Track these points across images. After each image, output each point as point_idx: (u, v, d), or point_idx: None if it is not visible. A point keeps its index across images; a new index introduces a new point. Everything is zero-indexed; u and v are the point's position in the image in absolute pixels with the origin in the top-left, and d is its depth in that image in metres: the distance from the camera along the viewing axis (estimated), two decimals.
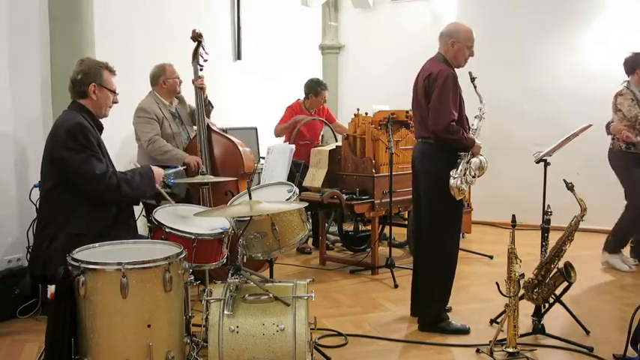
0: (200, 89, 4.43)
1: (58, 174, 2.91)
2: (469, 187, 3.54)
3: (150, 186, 3.12)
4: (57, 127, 2.95)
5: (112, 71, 3.10)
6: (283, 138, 5.78)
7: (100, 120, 3.11)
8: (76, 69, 3.05)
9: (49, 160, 2.94)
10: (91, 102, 3.03)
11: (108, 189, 2.90)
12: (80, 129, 2.88)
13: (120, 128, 4.57)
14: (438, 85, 3.46)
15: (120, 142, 4.81)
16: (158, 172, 3.19)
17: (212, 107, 4.62)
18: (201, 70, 4.47)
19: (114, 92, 3.10)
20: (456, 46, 3.60)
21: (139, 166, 3.41)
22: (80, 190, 2.89)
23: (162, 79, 4.48)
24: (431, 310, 3.65)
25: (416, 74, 3.74)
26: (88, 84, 3.00)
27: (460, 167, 3.49)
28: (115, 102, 3.14)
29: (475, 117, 3.69)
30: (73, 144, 2.85)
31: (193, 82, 4.46)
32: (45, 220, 2.95)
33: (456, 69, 3.61)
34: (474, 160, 3.53)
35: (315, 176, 5.04)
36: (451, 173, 3.47)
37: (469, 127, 3.63)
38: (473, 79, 3.65)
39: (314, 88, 5.77)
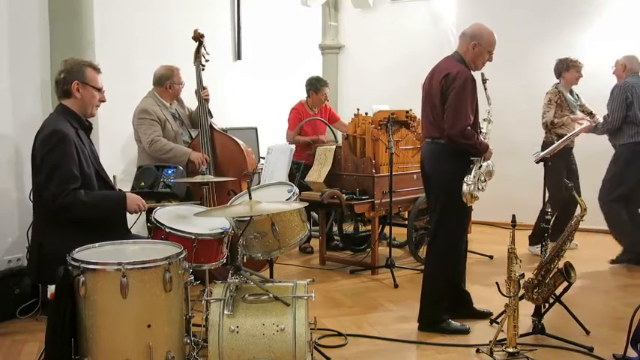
0: (205, 100, 4.41)
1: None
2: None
3: (116, 211, 2.95)
4: (39, 133, 2.89)
5: (96, 69, 3.01)
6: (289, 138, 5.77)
7: (89, 120, 3.05)
8: (59, 69, 2.99)
9: (33, 164, 2.91)
10: (76, 102, 2.95)
11: (59, 208, 2.76)
12: (56, 137, 2.79)
13: (121, 128, 4.58)
14: (457, 86, 3.38)
15: (121, 142, 4.81)
16: (133, 200, 3.00)
17: (211, 117, 4.56)
18: (203, 69, 4.46)
19: (99, 90, 3.00)
20: (477, 49, 3.53)
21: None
22: None
23: (168, 82, 4.45)
24: (434, 310, 3.64)
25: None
26: (70, 82, 2.92)
27: (473, 173, 3.45)
28: (102, 100, 3.05)
29: (484, 120, 3.64)
30: (43, 154, 2.79)
31: (196, 93, 4.46)
32: (37, 220, 2.93)
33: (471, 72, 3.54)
34: (484, 164, 3.50)
35: (320, 173, 5.04)
36: (465, 180, 3.42)
37: (480, 131, 3.58)
38: (485, 81, 3.58)
39: (314, 85, 5.79)
